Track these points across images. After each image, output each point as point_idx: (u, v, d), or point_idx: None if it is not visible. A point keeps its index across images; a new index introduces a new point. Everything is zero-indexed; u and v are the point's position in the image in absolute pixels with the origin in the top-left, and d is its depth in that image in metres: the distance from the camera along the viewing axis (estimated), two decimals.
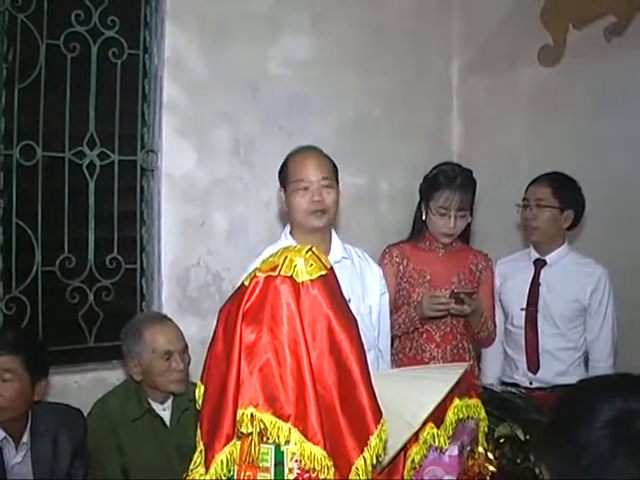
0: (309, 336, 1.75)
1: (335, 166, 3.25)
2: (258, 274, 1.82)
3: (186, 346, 3.41)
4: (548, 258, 3.83)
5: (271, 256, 1.88)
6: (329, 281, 1.85)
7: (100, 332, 4.04)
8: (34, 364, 3.04)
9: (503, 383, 3.85)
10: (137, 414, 3.31)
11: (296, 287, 1.78)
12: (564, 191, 3.75)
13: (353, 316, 1.88)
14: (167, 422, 3.37)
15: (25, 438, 3.05)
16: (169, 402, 3.40)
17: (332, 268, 1.90)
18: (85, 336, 4.02)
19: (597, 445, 1.39)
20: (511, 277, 3.92)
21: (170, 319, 3.50)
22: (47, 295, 3.91)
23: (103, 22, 3.99)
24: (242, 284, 1.86)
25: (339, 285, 1.91)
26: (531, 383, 3.78)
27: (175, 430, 3.34)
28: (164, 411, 3.38)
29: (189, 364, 3.40)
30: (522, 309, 3.82)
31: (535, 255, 3.87)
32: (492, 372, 3.97)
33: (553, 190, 3.74)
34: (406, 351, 3.74)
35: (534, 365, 3.80)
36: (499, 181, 4.54)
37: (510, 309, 3.90)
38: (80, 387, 3.90)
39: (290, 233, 3.25)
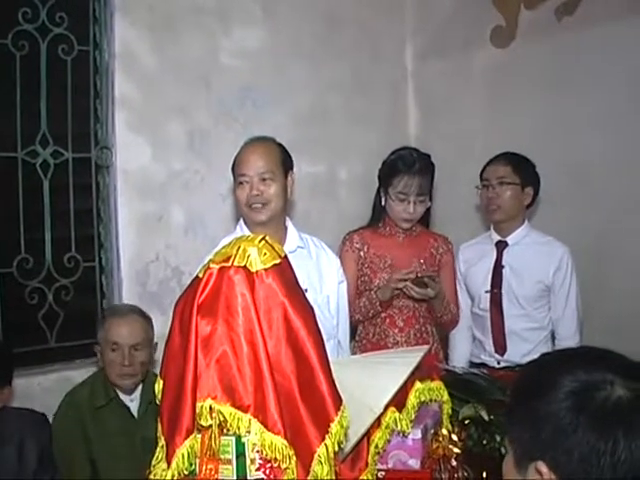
0: (265, 325, 1.75)
1: (284, 157, 3.22)
2: (212, 265, 1.80)
3: (140, 344, 3.37)
4: (509, 239, 3.84)
5: (224, 247, 1.87)
6: (284, 269, 1.84)
7: (61, 332, 4.02)
8: None
9: (472, 364, 3.89)
10: (102, 402, 3.32)
11: (250, 277, 1.77)
12: (523, 168, 3.78)
13: (309, 304, 1.87)
14: (134, 413, 3.37)
15: None
16: (137, 393, 3.40)
17: (286, 256, 1.90)
18: (46, 337, 3.99)
19: (558, 416, 1.39)
20: (475, 261, 3.93)
21: (137, 314, 3.47)
22: (5, 297, 3.88)
23: (51, 19, 3.95)
24: (196, 276, 1.85)
25: (294, 273, 1.90)
26: (499, 363, 3.81)
27: (142, 421, 3.33)
28: (131, 402, 3.38)
29: (145, 363, 3.39)
30: (487, 292, 3.84)
31: (496, 237, 3.88)
32: (460, 357, 3.98)
33: (513, 168, 3.76)
34: (370, 336, 3.74)
35: (501, 347, 3.81)
36: (457, 164, 4.55)
37: (476, 293, 3.91)
38: (44, 389, 3.87)
39: (245, 224, 3.25)
